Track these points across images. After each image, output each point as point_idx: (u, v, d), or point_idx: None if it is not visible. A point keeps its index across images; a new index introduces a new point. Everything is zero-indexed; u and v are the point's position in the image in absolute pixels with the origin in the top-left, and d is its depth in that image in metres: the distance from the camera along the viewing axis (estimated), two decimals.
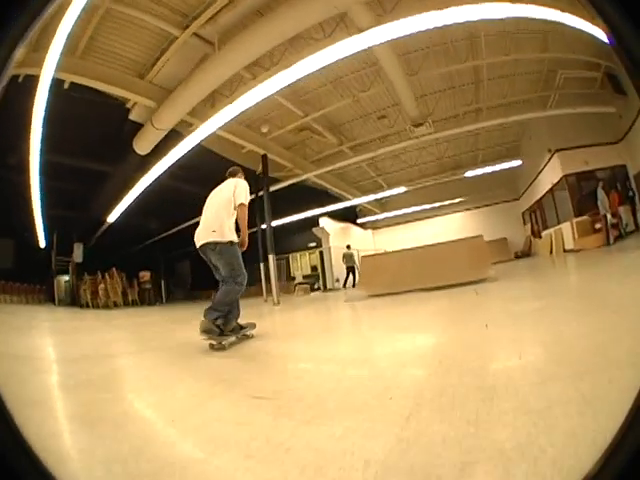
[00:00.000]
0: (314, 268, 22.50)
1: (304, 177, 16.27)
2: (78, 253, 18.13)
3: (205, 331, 4.08)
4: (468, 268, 9.86)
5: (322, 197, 20.18)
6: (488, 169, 18.72)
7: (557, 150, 15.57)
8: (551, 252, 16.98)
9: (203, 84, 9.53)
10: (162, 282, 22.77)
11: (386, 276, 11.54)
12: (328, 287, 20.75)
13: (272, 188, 14.77)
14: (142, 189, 12.02)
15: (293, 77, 8.16)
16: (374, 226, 27.71)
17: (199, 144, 10.46)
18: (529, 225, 21.74)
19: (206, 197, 4.74)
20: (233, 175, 4.86)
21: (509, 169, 21.01)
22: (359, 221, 26.21)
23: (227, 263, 4.31)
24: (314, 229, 21.32)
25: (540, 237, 19.37)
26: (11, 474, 0.74)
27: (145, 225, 18.42)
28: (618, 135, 13.52)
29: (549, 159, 16.30)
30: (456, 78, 13.19)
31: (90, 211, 15.26)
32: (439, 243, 12.10)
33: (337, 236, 22.18)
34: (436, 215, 25.41)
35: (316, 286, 20.05)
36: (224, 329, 4.25)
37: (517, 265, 15.43)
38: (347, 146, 16.29)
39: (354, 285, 15.57)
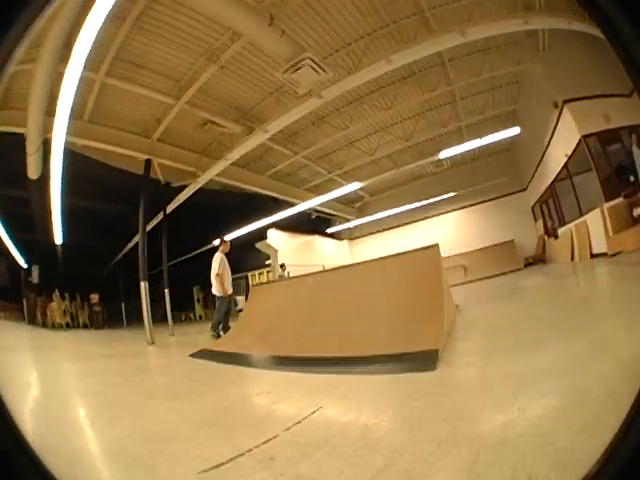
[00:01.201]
0: None
1: (209, 179, 12.53)
2: (35, 275, 18.45)
3: None
4: (405, 321, 4.60)
5: (270, 206, 16.63)
6: (473, 144, 13.20)
7: (566, 101, 10.39)
8: (572, 257, 11.48)
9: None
10: (122, 304, 21.04)
11: (261, 324, 6.62)
12: None
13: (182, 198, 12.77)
14: (58, 210, 10.61)
15: None
16: (351, 236, 23.16)
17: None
18: (541, 222, 16.13)
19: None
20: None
21: (506, 146, 16.53)
22: (330, 231, 21.80)
23: None
24: (257, 244, 17.62)
25: (556, 237, 13.81)
26: (11, 474, 0.76)
27: (93, 246, 17.84)
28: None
29: (558, 118, 11.00)
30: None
31: (37, 234, 14.43)
32: (364, 262, 7.28)
33: (293, 251, 18.55)
34: (427, 217, 20.36)
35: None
36: None
37: (522, 285, 10.08)
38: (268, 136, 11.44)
39: None
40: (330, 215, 20.64)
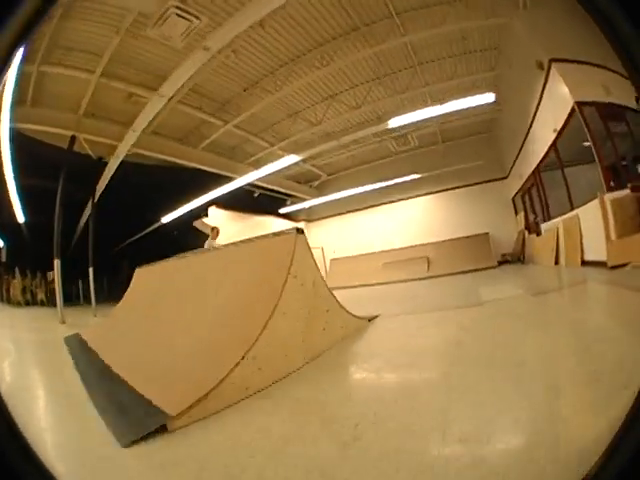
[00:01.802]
0: None
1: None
2: (2, 254, 17.92)
3: None
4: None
5: (210, 181, 14.69)
6: (432, 111, 10.71)
7: (553, 61, 7.98)
8: (557, 261, 9.15)
9: None
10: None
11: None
12: None
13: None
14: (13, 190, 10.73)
15: None
16: (309, 218, 20.37)
17: None
18: (522, 215, 13.80)
19: None
20: None
21: (485, 127, 14.81)
22: (283, 211, 19.20)
23: None
24: (195, 223, 15.30)
25: (538, 233, 11.48)
26: (11, 474, 0.76)
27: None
28: None
29: (545, 82, 8.54)
30: None
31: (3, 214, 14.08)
32: None
33: (237, 232, 14.72)
34: (392, 201, 17.85)
35: None
36: None
37: (484, 293, 7.45)
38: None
39: None
40: (285, 195, 18.48)
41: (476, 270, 12.79)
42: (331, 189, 18.20)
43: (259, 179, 15.02)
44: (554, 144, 9.08)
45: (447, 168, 15.29)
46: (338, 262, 17.99)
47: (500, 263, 13.93)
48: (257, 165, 14.40)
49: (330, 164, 17.72)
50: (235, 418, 2.40)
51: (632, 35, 0.73)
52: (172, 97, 9.56)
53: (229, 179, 14.34)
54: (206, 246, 9.53)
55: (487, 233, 15.02)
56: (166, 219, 14.68)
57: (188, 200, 14.26)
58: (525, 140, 11.60)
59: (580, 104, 7.30)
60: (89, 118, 10.52)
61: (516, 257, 13.35)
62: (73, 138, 10.52)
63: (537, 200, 11.38)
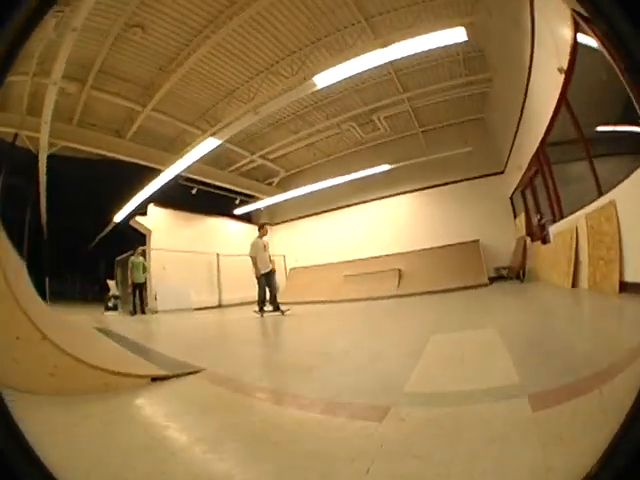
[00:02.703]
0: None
1: None
2: None
3: None
4: None
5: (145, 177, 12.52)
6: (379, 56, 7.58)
7: None
8: (575, 283, 5.86)
9: None
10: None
11: None
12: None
13: None
14: None
15: None
16: (272, 220, 17.40)
17: None
18: (523, 217, 10.49)
19: None
20: None
21: (475, 110, 11.37)
22: (238, 212, 16.35)
23: None
24: (132, 222, 13.46)
25: (545, 240, 8.19)
26: (11, 474, 0.76)
27: None
28: None
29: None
30: None
31: None
32: None
33: (177, 234, 14.16)
34: (365, 201, 14.87)
35: (110, 304, 13.22)
36: None
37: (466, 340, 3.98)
38: None
39: (143, 311, 11.15)
40: (236, 193, 15.74)
41: (459, 289, 9.58)
42: (292, 187, 15.21)
43: (194, 172, 12.97)
44: (564, 93, 5.78)
45: (425, 157, 12.10)
46: (297, 272, 15.40)
47: (493, 279, 10.69)
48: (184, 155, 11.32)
49: (288, 158, 14.98)
50: None
51: (632, 35, 0.73)
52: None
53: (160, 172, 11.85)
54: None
55: (477, 241, 11.81)
56: (118, 217, 13.10)
57: (127, 196, 12.66)
58: (522, 113, 8.39)
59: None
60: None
61: (514, 272, 10.04)
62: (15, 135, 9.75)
63: (543, 192, 8.03)
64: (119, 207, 12.88)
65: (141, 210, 13.18)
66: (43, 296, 15.10)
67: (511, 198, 11.54)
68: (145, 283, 11.66)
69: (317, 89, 8.81)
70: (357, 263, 13.41)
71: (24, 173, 11.49)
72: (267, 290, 8.48)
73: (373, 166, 12.96)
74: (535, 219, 9.14)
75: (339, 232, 15.00)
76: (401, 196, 13.70)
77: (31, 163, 10.99)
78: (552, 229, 7.54)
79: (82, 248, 16.81)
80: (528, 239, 9.80)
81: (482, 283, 10.24)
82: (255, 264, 8.48)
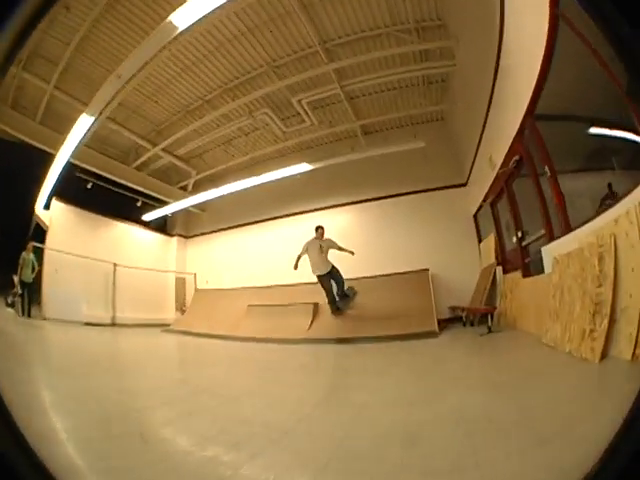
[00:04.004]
0: None
1: None
2: None
3: None
4: None
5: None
6: None
7: None
8: (606, 351, 2.82)
9: None
10: None
11: None
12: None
13: None
14: None
15: None
16: (187, 232, 14.94)
17: None
18: (493, 238, 7.62)
19: None
20: None
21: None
22: (147, 218, 13.20)
23: None
24: (35, 215, 11.29)
25: (526, 271, 5.28)
26: (11, 474, 0.75)
27: None
28: None
29: None
30: None
31: None
32: None
33: (76, 234, 11.78)
34: (298, 212, 11.86)
35: (9, 300, 10.56)
36: None
37: None
38: None
39: (29, 314, 10.02)
40: (145, 196, 12.92)
41: (391, 339, 6.85)
42: (204, 191, 12.08)
43: (90, 163, 10.92)
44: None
45: (361, 154, 9.27)
46: (202, 295, 12.92)
47: (447, 321, 7.79)
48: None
49: (202, 158, 12.34)
50: None
51: (632, 35, 0.71)
52: None
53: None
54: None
55: (426, 270, 8.84)
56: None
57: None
58: (493, 90, 5.70)
59: None
60: None
61: (476, 315, 7.16)
62: None
63: (529, 195, 5.16)
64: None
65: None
66: None
67: (475, 217, 8.76)
68: (33, 284, 10.28)
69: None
70: (267, 291, 10.70)
71: None
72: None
73: (290, 164, 10.13)
74: (514, 238, 6.26)
75: (257, 250, 12.26)
76: (332, 210, 10.81)
77: None
78: (546, 251, 4.64)
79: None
80: (499, 269, 6.96)
81: (429, 331, 7.20)
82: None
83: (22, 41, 0.77)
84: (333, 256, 8.60)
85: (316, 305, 9.00)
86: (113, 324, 11.42)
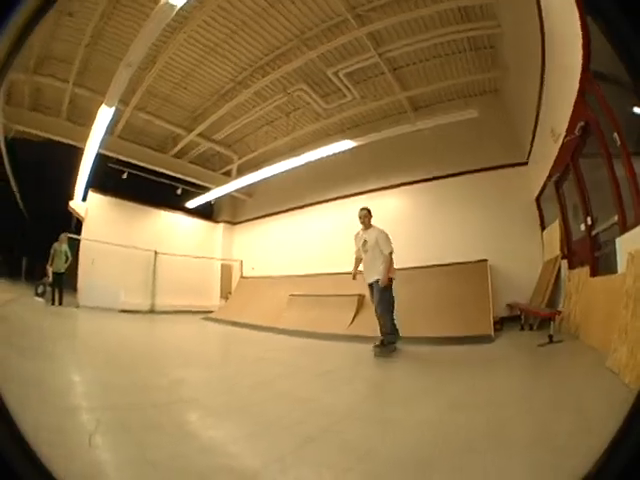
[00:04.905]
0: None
1: None
2: None
3: None
4: None
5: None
6: None
7: None
8: None
9: None
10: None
11: None
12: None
13: None
14: None
15: None
16: (233, 219, 14.74)
17: None
18: (557, 225, 6.36)
19: None
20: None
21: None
22: (191, 205, 13.16)
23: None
24: (71, 204, 11.55)
25: (595, 268, 4.14)
26: (11, 474, 0.75)
27: None
28: None
29: None
30: None
31: None
32: None
33: (114, 224, 12.00)
34: (347, 195, 10.82)
35: (39, 290, 10.91)
36: None
37: None
38: None
39: (60, 303, 9.96)
40: (185, 183, 12.90)
41: (441, 341, 6.00)
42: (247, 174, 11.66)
43: (124, 153, 11.11)
44: None
45: (411, 126, 8.31)
46: (245, 283, 12.54)
47: (501, 321, 6.66)
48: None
49: (244, 142, 11.77)
50: None
51: (632, 35, 0.70)
52: None
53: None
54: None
55: (484, 261, 7.71)
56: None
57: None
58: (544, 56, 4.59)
59: None
60: None
61: (536, 318, 6.04)
62: None
63: (598, 172, 4.02)
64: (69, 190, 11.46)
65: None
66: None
67: (538, 200, 7.49)
68: (65, 274, 10.41)
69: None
70: (311, 279, 10.09)
71: None
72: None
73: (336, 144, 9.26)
74: (582, 226, 5.08)
75: (303, 237, 11.67)
76: (379, 192, 9.88)
77: None
78: (622, 244, 3.53)
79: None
80: (564, 263, 5.77)
81: (483, 335, 6.12)
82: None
83: (22, 41, 0.77)
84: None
85: (361, 297, 8.15)
86: (152, 311, 11.54)
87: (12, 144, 11.07)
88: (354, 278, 5.77)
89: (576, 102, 4.19)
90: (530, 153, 7.40)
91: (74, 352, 5.11)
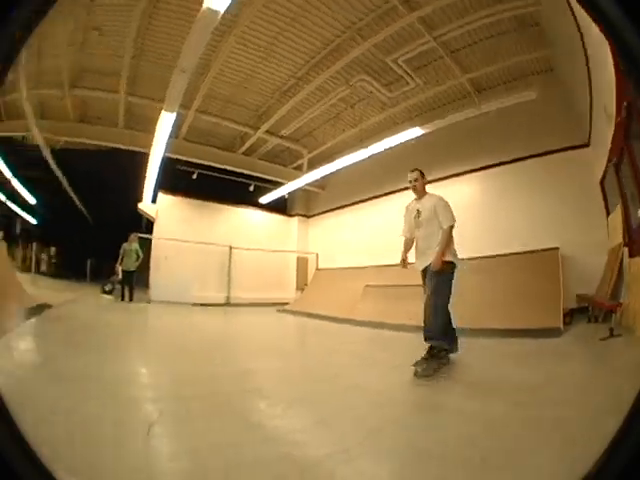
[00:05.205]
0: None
1: None
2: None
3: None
4: None
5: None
6: None
7: None
8: None
9: None
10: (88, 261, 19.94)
11: None
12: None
13: None
14: None
15: None
16: (308, 212, 15.16)
17: None
18: (619, 210, 5.87)
19: None
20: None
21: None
22: (264, 201, 13.85)
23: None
24: (140, 206, 12.60)
25: None
26: (11, 474, 0.76)
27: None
28: None
29: None
30: None
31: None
32: None
33: (187, 223, 12.79)
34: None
35: (107, 287, 12.02)
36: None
37: None
38: None
39: (131, 299, 10.75)
40: (257, 180, 13.60)
41: (506, 333, 5.88)
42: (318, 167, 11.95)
43: (192, 155, 11.90)
44: None
45: (474, 110, 8.08)
46: (321, 275, 12.80)
47: (571, 314, 6.40)
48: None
49: (313, 135, 12.06)
50: None
51: (632, 35, 0.69)
52: None
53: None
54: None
55: (555, 249, 7.30)
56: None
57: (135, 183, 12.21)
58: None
59: None
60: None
61: (601, 310, 5.70)
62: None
63: None
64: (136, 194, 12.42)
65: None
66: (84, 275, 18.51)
67: (602, 184, 6.93)
68: (135, 271, 11.01)
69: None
70: (387, 270, 9.96)
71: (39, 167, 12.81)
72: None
73: (399, 130, 9.36)
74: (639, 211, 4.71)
75: (377, 227, 11.51)
76: (447, 181, 9.59)
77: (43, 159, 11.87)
78: None
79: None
80: (626, 251, 5.37)
81: (551, 327, 5.83)
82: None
83: (22, 41, 0.79)
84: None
85: None
86: (227, 304, 12.06)
87: (61, 155, 12.26)
88: (404, 266, 4.24)
89: (617, 79, 3.87)
90: (590, 134, 6.86)
91: (143, 345, 5.49)
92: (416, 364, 3.75)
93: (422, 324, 3.93)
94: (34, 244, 15.67)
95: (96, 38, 7.92)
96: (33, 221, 19.42)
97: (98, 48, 8.25)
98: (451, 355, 4.07)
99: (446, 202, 4.08)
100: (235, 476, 1.70)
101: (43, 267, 19.96)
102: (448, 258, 3.94)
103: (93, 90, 9.51)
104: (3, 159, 11.96)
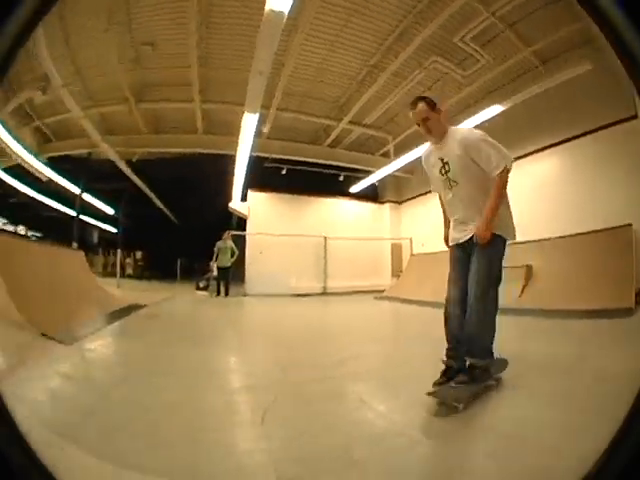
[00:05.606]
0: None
1: None
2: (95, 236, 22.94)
3: None
4: None
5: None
6: None
7: None
8: None
9: None
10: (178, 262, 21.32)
11: None
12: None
13: None
14: None
15: None
16: (399, 198, 15.20)
17: None
18: None
19: None
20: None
21: None
22: (354, 189, 14.36)
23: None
24: (231, 205, 13.53)
25: None
26: (11, 474, 0.75)
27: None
28: None
29: None
30: None
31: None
32: None
33: (278, 217, 13.64)
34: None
35: (202, 284, 13.32)
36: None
37: None
38: None
39: (227, 294, 11.45)
40: (346, 170, 13.96)
41: (581, 314, 5.81)
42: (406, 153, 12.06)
43: (279, 151, 12.58)
44: None
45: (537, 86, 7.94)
46: (416, 260, 12.41)
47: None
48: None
49: (395, 121, 12.09)
50: None
51: (632, 35, 0.69)
52: None
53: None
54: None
55: (628, 226, 6.84)
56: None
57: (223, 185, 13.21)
58: None
59: None
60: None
61: None
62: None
63: None
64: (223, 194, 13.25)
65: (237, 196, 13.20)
66: (173, 275, 20.53)
67: None
68: (230, 267, 11.50)
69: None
70: None
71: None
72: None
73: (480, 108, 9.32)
74: None
75: None
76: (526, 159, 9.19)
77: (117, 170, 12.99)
78: None
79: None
80: None
81: (622, 307, 5.65)
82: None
83: (22, 41, 0.79)
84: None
85: (529, 267, 7.86)
86: (324, 293, 12.57)
87: (140, 166, 13.25)
88: (447, 244, 3.23)
89: None
90: None
91: (243, 335, 6.03)
92: (439, 384, 2.58)
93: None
94: (118, 250, 16.44)
95: (150, 53, 8.72)
96: (113, 230, 20.27)
97: (156, 62, 9.07)
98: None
99: (481, 135, 2.81)
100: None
101: (129, 271, 21.27)
102: (499, 232, 2.67)
103: (162, 102, 10.48)
104: (66, 176, 12.92)
